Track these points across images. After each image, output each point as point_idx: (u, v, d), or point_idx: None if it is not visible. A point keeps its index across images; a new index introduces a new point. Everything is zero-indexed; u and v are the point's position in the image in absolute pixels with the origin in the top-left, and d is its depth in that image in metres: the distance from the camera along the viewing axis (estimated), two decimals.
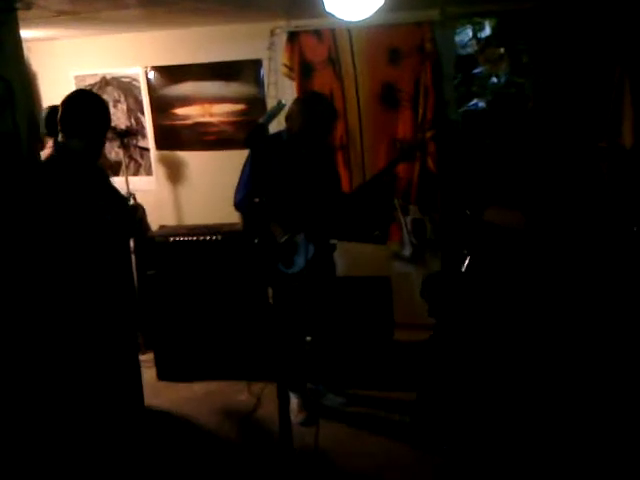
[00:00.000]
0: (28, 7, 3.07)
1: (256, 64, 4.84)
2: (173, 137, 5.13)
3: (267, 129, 3.00)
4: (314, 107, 3.55)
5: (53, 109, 3.61)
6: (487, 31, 4.43)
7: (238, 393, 4.07)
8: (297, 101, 3.69)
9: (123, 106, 5.18)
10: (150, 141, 5.20)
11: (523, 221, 3.53)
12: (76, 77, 5.17)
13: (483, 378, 3.31)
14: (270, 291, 3.60)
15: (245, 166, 3.54)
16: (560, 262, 3.41)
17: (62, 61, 5.12)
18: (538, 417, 3.20)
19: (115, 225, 3.07)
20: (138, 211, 4.64)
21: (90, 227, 2.96)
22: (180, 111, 5.08)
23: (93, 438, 3.09)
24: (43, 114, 3.96)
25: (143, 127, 5.18)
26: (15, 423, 2.81)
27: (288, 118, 3.56)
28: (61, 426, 3.04)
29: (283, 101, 3.17)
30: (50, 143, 3.57)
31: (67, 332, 2.96)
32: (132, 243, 4.35)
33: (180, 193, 5.23)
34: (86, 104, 3.03)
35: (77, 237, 2.94)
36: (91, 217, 2.95)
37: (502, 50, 4.43)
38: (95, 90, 5.03)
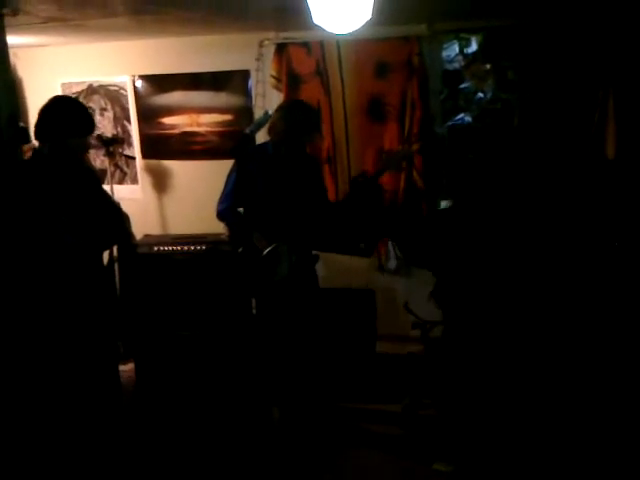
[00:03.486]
0: (15, 13, 3.06)
1: (244, 75, 4.85)
2: (159, 146, 5.12)
3: (254, 139, 3.01)
4: (295, 112, 3.54)
5: None
6: (474, 47, 4.47)
7: (220, 404, 4.03)
8: (279, 109, 3.68)
9: (109, 114, 5.16)
10: (136, 150, 5.18)
11: None
12: (63, 84, 5.15)
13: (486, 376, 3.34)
14: (254, 301, 3.59)
15: (230, 176, 3.53)
16: (543, 278, 3.43)
17: (49, 68, 5.09)
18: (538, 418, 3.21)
19: (90, 232, 3.02)
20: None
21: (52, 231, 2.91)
22: (167, 120, 5.07)
23: (72, 447, 3.05)
24: None
25: (129, 136, 5.16)
26: None
27: (271, 128, 3.55)
28: (39, 436, 3.00)
29: (270, 112, 3.19)
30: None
31: (43, 340, 2.93)
32: (115, 252, 4.31)
33: (165, 202, 5.20)
34: (50, 108, 2.94)
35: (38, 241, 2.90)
36: (57, 221, 2.90)
37: (488, 66, 4.47)
38: (81, 98, 5.02)
